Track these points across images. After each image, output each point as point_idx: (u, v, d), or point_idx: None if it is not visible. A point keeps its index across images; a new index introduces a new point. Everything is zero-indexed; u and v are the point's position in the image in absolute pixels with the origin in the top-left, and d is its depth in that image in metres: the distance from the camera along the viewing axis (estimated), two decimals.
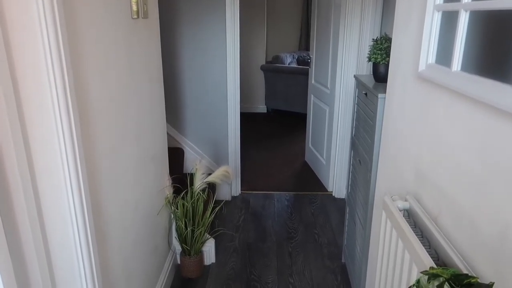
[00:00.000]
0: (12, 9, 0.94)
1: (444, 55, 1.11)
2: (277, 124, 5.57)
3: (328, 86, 3.32)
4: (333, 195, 3.42)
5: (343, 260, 2.49)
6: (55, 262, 1.16)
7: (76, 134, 1.09)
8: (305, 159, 4.12)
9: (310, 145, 3.93)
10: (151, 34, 1.89)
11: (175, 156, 3.07)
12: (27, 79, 0.99)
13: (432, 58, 1.17)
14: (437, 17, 1.14)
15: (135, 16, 1.66)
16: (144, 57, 1.79)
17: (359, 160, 2.04)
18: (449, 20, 1.09)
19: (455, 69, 1.01)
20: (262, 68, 5.84)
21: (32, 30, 0.96)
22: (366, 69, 2.94)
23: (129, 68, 1.60)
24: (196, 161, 2.26)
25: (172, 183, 2.26)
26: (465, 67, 1.00)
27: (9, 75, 0.95)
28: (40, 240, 1.08)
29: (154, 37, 1.96)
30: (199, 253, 2.33)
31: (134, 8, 1.64)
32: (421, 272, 0.87)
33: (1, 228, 0.90)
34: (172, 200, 2.22)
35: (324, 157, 3.52)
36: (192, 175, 2.29)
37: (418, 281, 0.92)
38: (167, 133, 3.13)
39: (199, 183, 2.24)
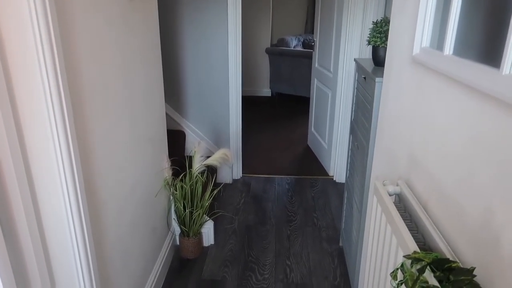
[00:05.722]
0: None
1: (438, 39, 1.09)
2: (281, 108, 5.54)
3: (331, 70, 3.28)
4: (334, 179, 3.42)
5: (340, 244, 2.51)
6: (49, 239, 1.18)
7: (68, 116, 1.10)
8: (308, 143, 4.12)
9: (312, 129, 3.92)
10: (148, 14, 1.88)
11: (176, 138, 3.09)
12: (15, 59, 0.99)
13: (426, 41, 1.15)
14: None
15: None
16: (140, 38, 1.78)
17: (357, 145, 2.03)
18: (444, 1, 1.06)
19: (447, 53, 0.99)
20: (267, 51, 5.78)
21: (19, 7, 0.96)
22: (369, 53, 2.90)
23: (125, 50, 1.59)
24: (195, 144, 2.27)
25: (171, 166, 2.27)
26: (458, 51, 0.98)
27: None
28: (34, 220, 1.11)
29: (152, 17, 1.94)
30: (198, 235, 2.36)
31: None
32: (404, 256, 0.88)
33: None
34: (171, 182, 2.24)
35: (326, 141, 3.51)
36: (191, 158, 2.31)
37: (402, 265, 0.93)
38: (169, 116, 3.15)
39: (197, 165, 2.25)
